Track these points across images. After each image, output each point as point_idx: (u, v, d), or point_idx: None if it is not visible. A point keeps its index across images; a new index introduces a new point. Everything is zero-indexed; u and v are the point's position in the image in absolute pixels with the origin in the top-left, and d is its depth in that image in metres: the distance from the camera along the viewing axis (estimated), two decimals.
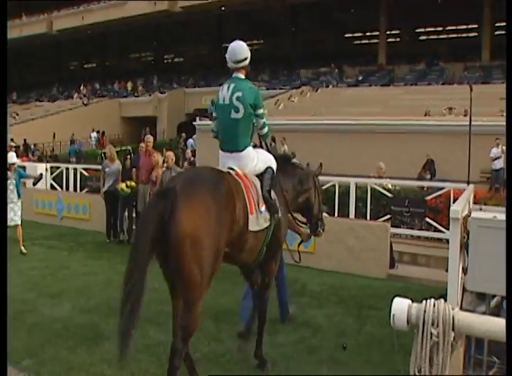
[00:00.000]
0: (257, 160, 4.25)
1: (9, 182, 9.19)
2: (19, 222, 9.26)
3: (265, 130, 4.40)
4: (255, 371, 4.53)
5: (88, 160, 26.47)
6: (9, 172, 9.15)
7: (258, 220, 3.97)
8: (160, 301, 6.48)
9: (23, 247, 9.23)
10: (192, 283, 3.56)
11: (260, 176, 4.20)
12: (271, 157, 4.43)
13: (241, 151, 4.18)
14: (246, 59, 4.31)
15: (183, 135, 25.53)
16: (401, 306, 2.93)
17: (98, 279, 7.58)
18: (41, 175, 9.84)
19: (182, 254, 3.44)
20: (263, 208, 4.01)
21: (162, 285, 7.22)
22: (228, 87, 4.18)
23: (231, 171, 4.07)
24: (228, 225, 3.66)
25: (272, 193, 4.17)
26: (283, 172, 4.56)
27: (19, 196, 9.32)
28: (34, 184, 10.02)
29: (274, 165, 4.34)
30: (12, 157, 9.43)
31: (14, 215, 9.12)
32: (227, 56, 4.32)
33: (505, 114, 3.73)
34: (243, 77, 4.27)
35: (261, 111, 4.26)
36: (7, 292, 3.31)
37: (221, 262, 3.75)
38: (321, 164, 5.29)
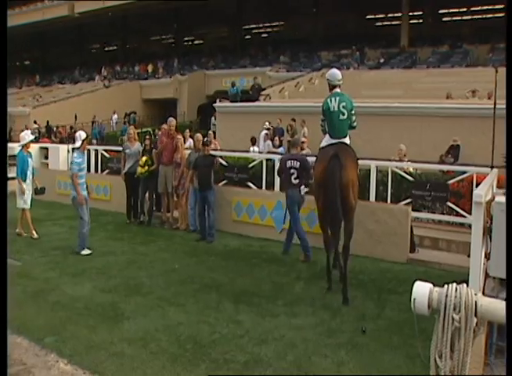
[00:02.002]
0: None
1: (30, 160, 9.33)
2: (28, 207, 9.26)
3: (355, 123, 6.59)
4: (274, 354, 4.54)
5: (110, 141, 26.61)
6: (25, 152, 9.27)
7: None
8: (180, 282, 6.58)
9: (22, 231, 9.24)
10: (352, 207, 6.18)
11: None
12: None
13: (344, 137, 6.50)
14: (341, 79, 6.63)
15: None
16: (422, 290, 2.87)
17: (118, 259, 7.67)
18: (44, 189, 9.82)
19: (348, 191, 6.03)
20: None
21: (182, 267, 7.33)
22: (335, 99, 6.42)
23: None
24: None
25: None
26: None
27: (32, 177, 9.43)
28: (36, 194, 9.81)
29: None
30: (29, 135, 9.50)
31: (24, 199, 9.16)
32: (330, 77, 6.61)
33: (505, 106, 3.61)
34: (339, 91, 6.52)
35: (353, 112, 6.50)
36: (7, 287, 3.33)
37: None
38: None
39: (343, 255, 6.23)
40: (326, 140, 6.58)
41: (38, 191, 9.58)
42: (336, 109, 6.40)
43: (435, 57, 28.91)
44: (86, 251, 7.99)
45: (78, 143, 8.25)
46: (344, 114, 6.39)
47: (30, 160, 9.34)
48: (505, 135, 3.53)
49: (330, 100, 6.44)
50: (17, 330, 4.98)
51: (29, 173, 9.26)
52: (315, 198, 6.78)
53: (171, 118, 10.59)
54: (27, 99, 37.77)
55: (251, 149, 14.32)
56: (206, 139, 9.81)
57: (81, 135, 8.38)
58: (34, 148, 15.70)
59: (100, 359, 4.42)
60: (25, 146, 9.35)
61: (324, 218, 6.44)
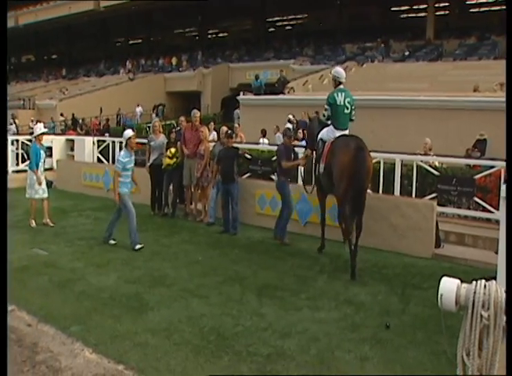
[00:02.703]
0: None
1: (42, 152, 9.56)
2: (47, 195, 9.51)
3: (354, 117, 7.43)
4: (297, 347, 4.54)
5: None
6: (38, 144, 9.51)
7: None
8: (203, 274, 6.61)
9: (48, 221, 9.39)
10: (366, 189, 6.97)
11: None
12: None
13: (347, 129, 7.35)
14: (346, 77, 7.52)
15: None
16: (449, 286, 2.81)
17: (142, 250, 7.73)
18: (51, 183, 10.15)
19: (368, 177, 6.82)
20: None
21: (205, 259, 7.36)
22: (341, 94, 7.23)
23: None
24: None
25: None
26: None
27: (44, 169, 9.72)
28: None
29: None
30: (41, 127, 9.76)
31: (42, 188, 9.42)
32: (338, 74, 7.44)
33: (505, 101, 3.51)
34: (343, 87, 7.32)
35: (353, 107, 7.34)
36: (7, 284, 3.38)
37: None
38: None
39: (356, 230, 6.71)
40: (331, 131, 7.30)
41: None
42: (342, 103, 7.20)
43: (462, 49, 28.38)
44: (138, 246, 7.81)
45: (124, 142, 8.13)
46: (348, 109, 7.25)
47: (42, 152, 9.54)
48: (505, 131, 3.44)
49: (337, 95, 7.24)
50: (44, 319, 5.08)
51: (41, 164, 9.47)
52: (335, 184, 6.90)
53: (195, 110, 10.57)
54: (53, 91, 38.30)
55: (261, 140, 14.44)
56: (229, 131, 9.76)
57: (127, 133, 8.13)
58: (61, 140, 16.08)
59: (124, 348, 4.48)
60: (38, 139, 9.56)
61: (345, 204, 6.81)
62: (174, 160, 9.95)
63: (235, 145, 9.73)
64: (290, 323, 5.05)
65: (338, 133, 7.19)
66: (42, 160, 9.52)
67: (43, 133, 9.73)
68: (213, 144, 10.26)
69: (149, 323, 5.02)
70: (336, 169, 6.81)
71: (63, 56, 52.99)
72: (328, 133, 7.34)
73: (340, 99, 7.21)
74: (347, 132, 7.29)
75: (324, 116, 7.43)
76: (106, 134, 25.92)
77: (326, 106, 7.34)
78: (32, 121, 29.66)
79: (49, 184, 9.90)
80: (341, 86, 7.34)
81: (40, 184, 9.25)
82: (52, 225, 9.30)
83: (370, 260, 7.29)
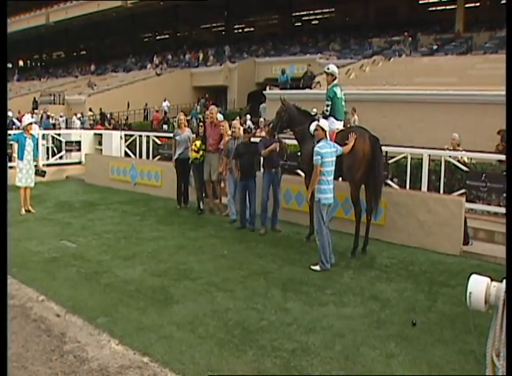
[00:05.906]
0: None
1: (28, 142, 9.83)
2: (33, 184, 9.94)
3: (345, 109, 8.11)
4: (322, 343, 4.52)
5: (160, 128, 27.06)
6: (26, 134, 9.87)
7: None
8: (228, 267, 6.63)
9: (31, 208, 9.88)
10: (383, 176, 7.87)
11: None
12: None
13: (342, 120, 7.91)
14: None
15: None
16: (479, 284, 2.75)
17: (168, 244, 7.79)
18: (44, 172, 10.56)
19: (381, 165, 7.48)
20: None
21: (231, 253, 7.39)
22: (339, 88, 7.76)
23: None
24: None
25: None
26: None
27: (34, 157, 10.04)
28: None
29: None
30: (28, 118, 10.31)
31: (29, 177, 9.83)
32: (334, 69, 7.85)
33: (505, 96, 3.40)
34: (337, 82, 7.83)
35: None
36: (7, 283, 3.41)
37: None
38: None
39: (368, 214, 7.35)
40: (332, 122, 7.60)
41: (39, 173, 10.31)
42: (340, 96, 7.76)
43: (493, 42, 27.71)
44: (315, 267, 6.61)
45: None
46: (344, 101, 7.86)
47: (29, 141, 9.85)
48: (505, 128, 3.35)
49: (336, 89, 7.75)
50: (72, 310, 5.17)
51: (26, 153, 9.80)
52: (350, 170, 7.24)
53: (212, 106, 10.61)
54: (82, 87, 38.88)
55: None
56: (243, 126, 9.53)
57: (323, 123, 6.92)
58: (89, 135, 16.32)
59: (150, 341, 4.52)
60: (26, 129, 9.95)
61: (359, 188, 7.31)
62: (201, 152, 9.95)
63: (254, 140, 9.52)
64: (315, 318, 5.03)
65: (338, 124, 7.71)
66: (29, 150, 9.82)
67: (30, 123, 10.11)
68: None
69: (174, 316, 5.06)
70: (353, 156, 7.14)
71: (91, 52, 53.78)
72: (329, 124, 7.44)
73: (338, 92, 7.75)
74: (342, 123, 7.92)
75: (327, 111, 7.73)
76: (165, 126, 26.17)
77: (327, 102, 7.74)
78: (61, 115, 30.25)
79: (42, 173, 10.34)
80: (336, 81, 7.81)
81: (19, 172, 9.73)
82: (33, 211, 9.78)
83: (397, 256, 7.22)
